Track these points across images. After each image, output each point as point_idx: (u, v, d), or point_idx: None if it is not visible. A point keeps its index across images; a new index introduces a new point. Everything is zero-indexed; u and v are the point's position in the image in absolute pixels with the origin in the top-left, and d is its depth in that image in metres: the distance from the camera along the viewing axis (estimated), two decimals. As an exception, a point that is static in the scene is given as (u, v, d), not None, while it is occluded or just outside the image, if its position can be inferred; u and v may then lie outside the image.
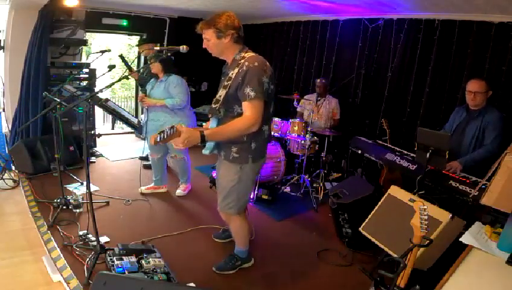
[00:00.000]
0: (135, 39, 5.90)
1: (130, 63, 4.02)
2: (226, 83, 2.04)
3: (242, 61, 2.00)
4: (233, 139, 2.06)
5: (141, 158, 4.70)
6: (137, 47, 4.45)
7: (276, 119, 4.11)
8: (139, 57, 5.68)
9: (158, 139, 1.73)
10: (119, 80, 2.97)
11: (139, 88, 4.43)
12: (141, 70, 3.94)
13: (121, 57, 4.11)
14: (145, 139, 4.57)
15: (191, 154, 3.69)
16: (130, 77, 4.00)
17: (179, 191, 3.72)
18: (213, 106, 2.09)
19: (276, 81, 2.15)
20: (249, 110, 1.95)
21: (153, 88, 3.40)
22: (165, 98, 3.29)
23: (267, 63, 2.05)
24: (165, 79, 3.34)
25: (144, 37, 5.70)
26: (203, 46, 2.08)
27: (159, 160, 3.64)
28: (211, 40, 2.02)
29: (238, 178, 2.16)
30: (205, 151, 2.13)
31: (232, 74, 2.02)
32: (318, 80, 4.36)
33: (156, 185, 3.75)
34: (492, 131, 2.74)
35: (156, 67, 3.34)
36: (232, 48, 2.06)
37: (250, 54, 2.07)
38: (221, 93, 2.05)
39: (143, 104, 3.42)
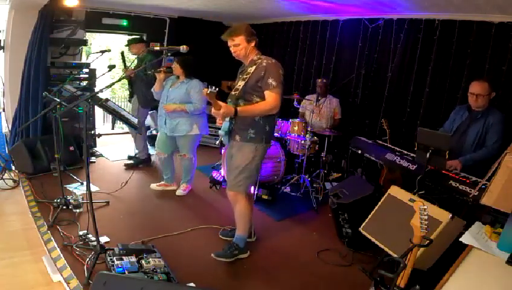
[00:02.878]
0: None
1: (129, 63, 4.01)
2: (245, 76, 2.41)
3: (259, 60, 2.41)
4: (251, 123, 2.43)
5: (130, 158, 4.58)
6: (127, 46, 4.27)
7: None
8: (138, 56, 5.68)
9: (208, 91, 2.11)
10: (119, 80, 2.97)
11: (129, 87, 4.36)
12: (142, 72, 3.90)
13: (122, 54, 4.10)
14: (146, 139, 4.55)
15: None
16: (124, 74, 3.98)
17: (179, 191, 3.73)
18: (232, 93, 2.46)
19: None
20: (271, 97, 2.34)
21: (172, 87, 3.45)
22: (185, 102, 3.35)
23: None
24: (186, 81, 3.40)
25: (144, 36, 5.69)
26: (233, 50, 2.44)
27: (166, 159, 3.68)
28: (241, 45, 2.40)
29: (252, 157, 2.47)
30: (221, 132, 2.54)
31: (251, 70, 2.39)
32: (319, 80, 4.36)
33: (167, 183, 3.79)
34: (494, 133, 2.72)
35: (176, 69, 3.40)
36: (254, 51, 2.47)
37: (264, 56, 2.46)
38: (240, 83, 2.42)
39: (165, 110, 3.43)
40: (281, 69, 2.39)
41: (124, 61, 4.06)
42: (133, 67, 3.95)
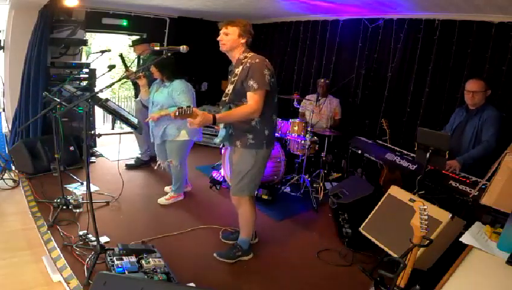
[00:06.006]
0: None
1: (129, 64, 4.03)
2: (232, 79, 2.35)
3: (245, 60, 2.32)
4: (248, 128, 2.36)
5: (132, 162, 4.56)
6: (131, 47, 4.41)
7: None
8: (139, 58, 5.68)
9: (177, 114, 2.03)
10: (119, 80, 2.96)
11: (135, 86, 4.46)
12: (139, 72, 3.77)
13: (121, 56, 4.11)
14: (148, 141, 4.47)
15: (192, 154, 3.65)
16: (127, 76, 3.99)
17: (162, 199, 3.49)
18: (223, 98, 2.40)
19: (276, 80, 2.39)
20: (252, 100, 2.24)
21: (157, 91, 3.26)
22: (170, 106, 3.10)
23: (267, 60, 2.34)
24: (168, 84, 3.17)
25: (145, 36, 5.69)
26: (219, 38, 2.34)
27: (166, 166, 3.54)
28: (230, 36, 2.30)
29: (254, 163, 2.41)
30: (216, 140, 2.47)
31: (238, 71, 2.32)
32: (322, 80, 4.36)
33: None
34: (490, 127, 2.76)
35: (154, 72, 3.18)
36: (241, 48, 2.36)
37: (252, 54, 2.37)
38: (229, 88, 2.36)
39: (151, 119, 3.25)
40: (266, 68, 2.26)
41: (124, 62, 4.09)
42: (133, 68, 3.97)
